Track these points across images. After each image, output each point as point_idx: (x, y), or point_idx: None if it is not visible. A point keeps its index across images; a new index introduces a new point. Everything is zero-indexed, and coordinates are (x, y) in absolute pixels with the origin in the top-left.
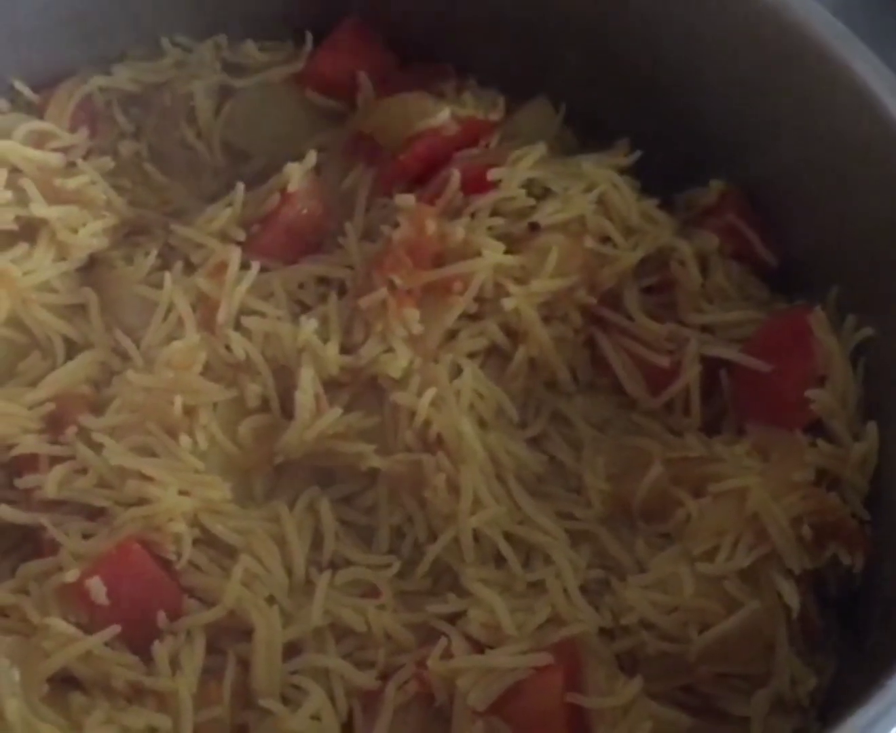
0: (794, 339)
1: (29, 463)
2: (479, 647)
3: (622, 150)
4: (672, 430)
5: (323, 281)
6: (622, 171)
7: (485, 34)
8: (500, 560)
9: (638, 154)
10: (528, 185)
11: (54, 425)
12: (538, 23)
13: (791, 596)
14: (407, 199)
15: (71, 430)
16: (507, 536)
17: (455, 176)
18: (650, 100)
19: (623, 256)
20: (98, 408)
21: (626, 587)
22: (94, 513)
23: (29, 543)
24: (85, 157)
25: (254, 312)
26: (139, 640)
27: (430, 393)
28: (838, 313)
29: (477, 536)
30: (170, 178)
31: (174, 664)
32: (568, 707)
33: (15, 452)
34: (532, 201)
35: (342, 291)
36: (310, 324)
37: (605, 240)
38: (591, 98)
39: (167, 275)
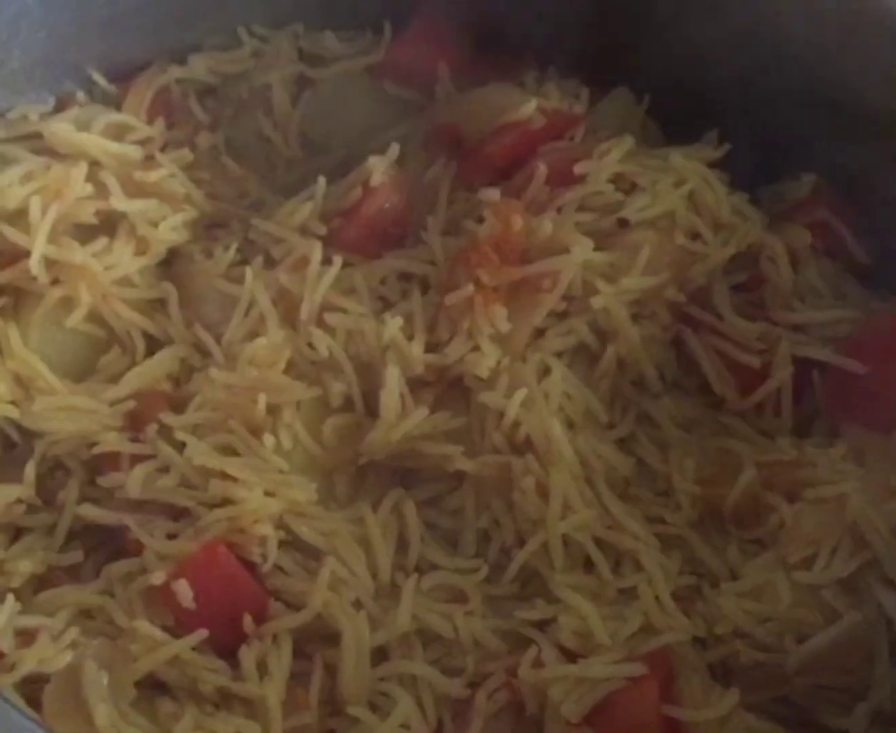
0: (890, 340)
1: (110, 461)
2: (569, 655)
3: (711, 143)
4: (762, 432)
5: (404, 276)
6: (711, 165)
7: (562, 23)
8: (588, 565)
9: (727, 147)
10: (616, 180)
11: (135, 422)
12: (618, 11)
13: (892, 606)
14: (492, 194)
15: (151, 428)
16: (597, 541)
17: (541, 170)
18: (734, 90)
19: (713, 253)
20: (178, 406)
21: (718, 594)
22: (177, 514)
23: (111, 542)
24: (161, 150)
25: (336, 308)
26: (225, 644)
27: (521, 394)
28: None
29: (566, 541)
30: (246, 170)
31: (261, 669)
32: (663, 719)
33: (96, 450)
34: (620, 196)
35: (424, 287)
36: (395, 322)
37: (695, 236)
38: (671, 88)
39: (248, 270)
